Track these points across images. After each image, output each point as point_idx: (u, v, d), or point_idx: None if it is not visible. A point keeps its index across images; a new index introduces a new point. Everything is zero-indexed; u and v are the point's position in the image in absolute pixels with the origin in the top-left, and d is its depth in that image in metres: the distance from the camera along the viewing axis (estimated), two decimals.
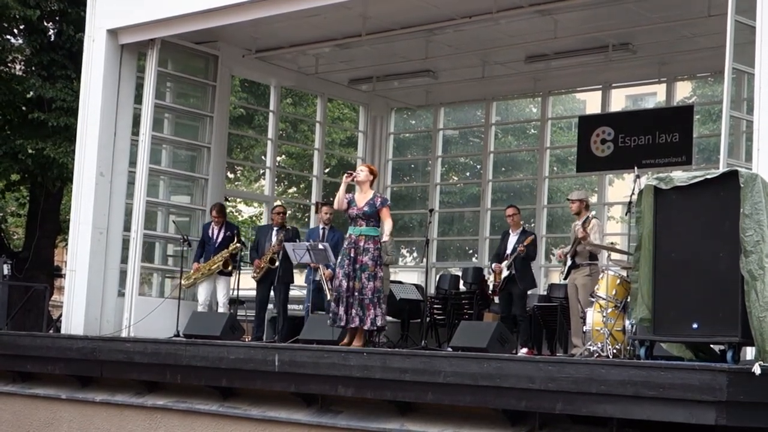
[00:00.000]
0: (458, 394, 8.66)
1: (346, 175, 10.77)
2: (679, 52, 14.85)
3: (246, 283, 13.89)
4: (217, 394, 10.73)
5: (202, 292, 13.58)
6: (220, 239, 13.56)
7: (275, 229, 13.58)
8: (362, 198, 10.71)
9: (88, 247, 13.78)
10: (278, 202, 16.08)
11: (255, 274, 13.59)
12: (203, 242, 13.71)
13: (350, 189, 10.88)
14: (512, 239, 12.74)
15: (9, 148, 17.32)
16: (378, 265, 10.61)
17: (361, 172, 10.82)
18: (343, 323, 10.53)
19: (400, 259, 23.28)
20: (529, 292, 13.25)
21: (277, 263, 13.22)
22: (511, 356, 9.06)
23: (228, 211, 21.09)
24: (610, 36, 14.35)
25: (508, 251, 12.66)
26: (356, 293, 10.51)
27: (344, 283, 10.52)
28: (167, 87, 15.09)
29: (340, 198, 10.67)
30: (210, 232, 13.68)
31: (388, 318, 14.83)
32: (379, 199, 10.73)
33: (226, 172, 18.34)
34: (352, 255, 10.56)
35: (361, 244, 10.56)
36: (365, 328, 10.52)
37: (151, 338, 12.19)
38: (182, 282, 13.50)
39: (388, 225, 10.60)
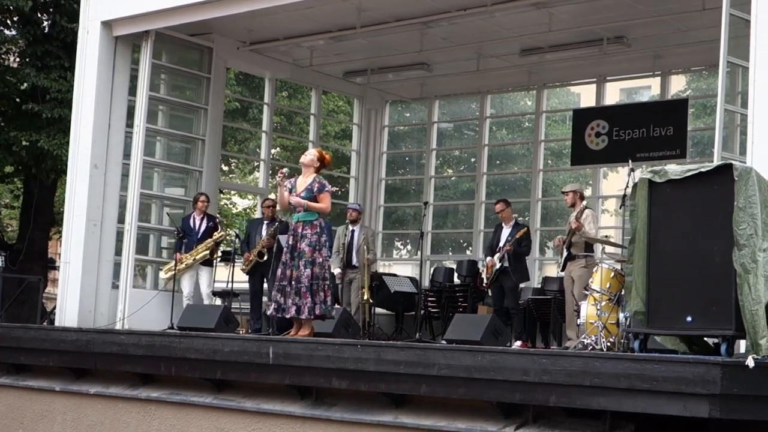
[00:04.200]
0: (452, 387, 8.66)
1: (278, 176, 10.37)
2: (674, 46, 14.84)
3: (240, 274, 13.89)
4: (212, 386, 10.72)
5: (186, 284, 13.56)
6: (202, 229, 13.56)
7: (266, 222, 13.60)
8: (302, 183, 10.34)
9: (82, 239, 13.77)
10: (272, 195, 16.07)
11: (244, 267, 13.62)
12: (184, 234, 13.59)
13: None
14: (505, 232, 12.76)
15: (3, 140, 17.30)
16: (317, 251, 10.19)
17: (308, 155, 10.44)
18: (284, 313, 10.30)
19: (395, 251, 23.30)
20: (522, 285, 13.26)
21: (265, 257, 13.24)
22: (505, 349, 9.06)
23: (222, 203, 21.06)
24: (605, 29, 14.35)
25: (501, 244, 12.68)
26: (293, 282, 10.18)
27: (286, 272, 10.22)
28: (161, 79, 15.07)
29: (283, 201, 10.39)
30: (191, 222, 13.64)
31: (382, 310, 14.96)
32: (317, 185, 10.26)
33: (221, 164, 18.34)
34: (290, 242, 10.28)
35: (299, 230, 10.24)
36: (302, 317, 10.24)
37: (145, 330, 12.20)
38: (163, 275, 13.49)
39: (318, 206, 10.18)
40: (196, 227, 13.60)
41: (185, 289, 13.55)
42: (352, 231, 13.78)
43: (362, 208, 14.43)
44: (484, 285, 13.05)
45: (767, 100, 9.25)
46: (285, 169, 10.52)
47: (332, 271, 13.71)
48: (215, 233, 13.49)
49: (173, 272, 13.45)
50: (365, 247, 13.59)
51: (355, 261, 13.73)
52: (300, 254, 10.20)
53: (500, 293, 12.68)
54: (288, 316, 10.35)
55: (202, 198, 13.76)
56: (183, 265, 13.41)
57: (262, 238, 13.42)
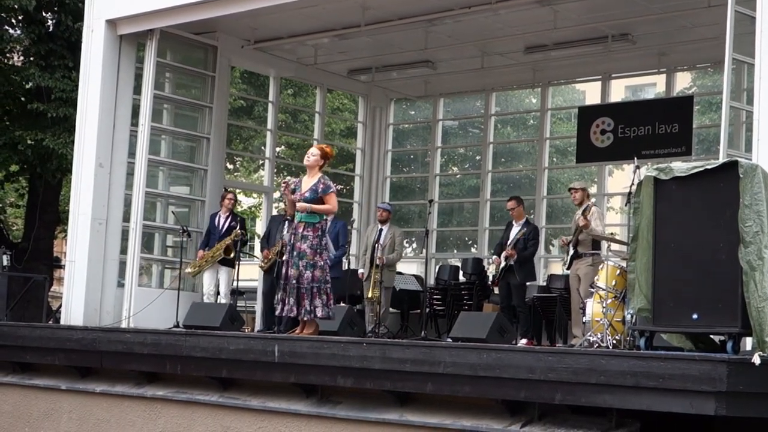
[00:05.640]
0: (457, 385, 8.66)
1: (281, 186, 10.47)
2: (679, 43, 14.82)
3: (246, 273, 13.87)
4: (217, 384, 10.73)
5: (207, 281, 13.60)
6: (225, 228, 13.59)
7: (287, 220, 13.54)
8: (307, 182, 10.38)
9: (88, 237, 13.78)
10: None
11: (263, 264, 13.58)
12: (209, 231, 13.75)
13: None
14: (515, 230, 12.76)
15: (8, 139, 17.31)
16: (318, 254, 10.24)
17: (311, 156, 10.45)
18: (290, 312, 10.35)
19: None
20: (528, 284, 13.25)
21: (285, 255, 13.19)
22: (510, 347, 9.06)
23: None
24: (610, 26, 14.33)
25: (509, 242, 12.67)
26: (293, 281, 10.21)
27: (289, 271, 10.27)
28: (166, 78, 15.07)
29: (290, 208, 10.56)
30: (216, 220, 13.73)
31: (391, 309, 14.94)
32: (322, 185, 10.30)
33: (226, 162, 18.33)
34: (291, 241, 10.34)
35: (300, 230, 10.28)
36: (304, 318, 10.27)
37: (151, 329, 12.19)
38: (188, 270, 13.51)
39: (324, 207, 10.26)
40: (220, 225, 13.66)
41: (205, 287, 13.60)
42: (380, 230, 13.82)
43: (393, 208, 14.41)
44: (490, 283, 13.05)
45: None
46: (288, 178, 10.61)
47: (359, 270, 13.81)
48: (233, 231, 13.50)
49: (197, 269, 13.48)
50: (390, 246, 13.58)
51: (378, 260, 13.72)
52: (300, 255, 10.24)
53: (507, 291, 12.69)
54: (292, 315, 10.39)
55: (229, 196, 13.87)
56: (204, 262, 13.47)
57: (282, 235, 13.34)
